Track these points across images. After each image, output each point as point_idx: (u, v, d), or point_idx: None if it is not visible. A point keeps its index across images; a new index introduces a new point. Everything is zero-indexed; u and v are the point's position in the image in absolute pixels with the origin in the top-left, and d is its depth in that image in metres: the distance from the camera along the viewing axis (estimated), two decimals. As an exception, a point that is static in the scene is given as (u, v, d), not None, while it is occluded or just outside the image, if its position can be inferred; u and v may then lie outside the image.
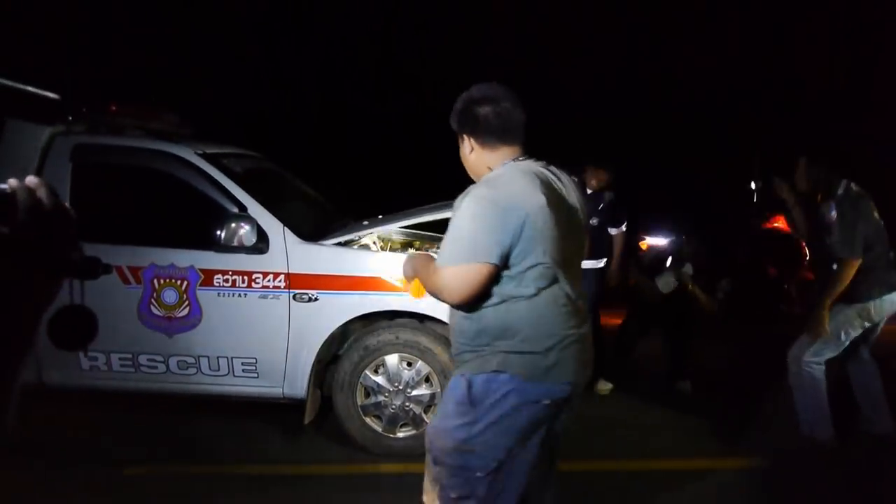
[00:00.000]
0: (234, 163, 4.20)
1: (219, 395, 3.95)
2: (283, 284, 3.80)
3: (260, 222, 3.82)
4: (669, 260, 5.23)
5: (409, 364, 3.87)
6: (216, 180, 3.89)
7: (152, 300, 3.82)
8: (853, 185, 3.93)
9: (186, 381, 3.90)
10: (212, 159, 3.99)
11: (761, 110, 11.32)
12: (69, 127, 3.99)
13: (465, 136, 2.26)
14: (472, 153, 2.26)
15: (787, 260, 6.91)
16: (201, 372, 3.88)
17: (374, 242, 4.79)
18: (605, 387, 4.96)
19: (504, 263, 2.09)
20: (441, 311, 3.80)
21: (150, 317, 3.83)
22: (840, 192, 3.88)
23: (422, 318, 3.89)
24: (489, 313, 2.15)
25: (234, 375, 3.88)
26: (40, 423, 3.98)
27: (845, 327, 3.89)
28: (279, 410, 4.11)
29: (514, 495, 2.21)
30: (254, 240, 3.75)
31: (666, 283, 4.90)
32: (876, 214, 3.94)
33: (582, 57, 11.72)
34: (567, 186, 2.26)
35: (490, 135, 2.21)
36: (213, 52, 10.51)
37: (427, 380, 3.87)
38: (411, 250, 4.85)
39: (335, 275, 3.81)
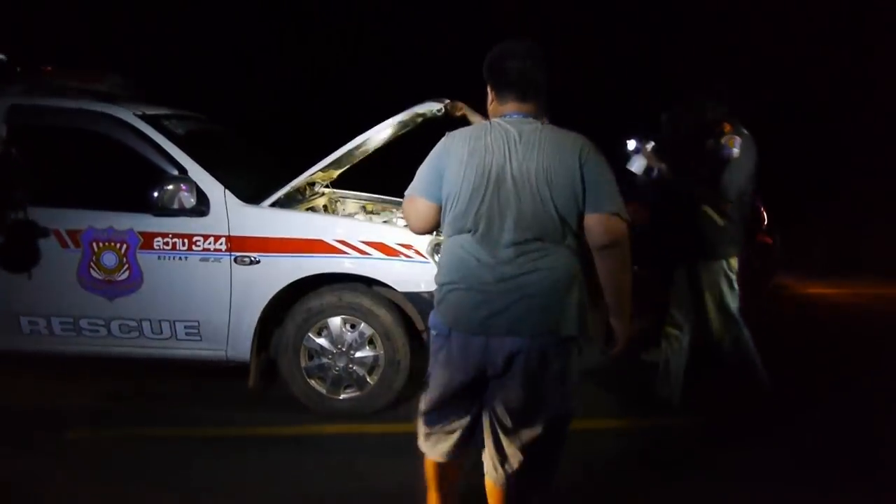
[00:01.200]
0: (177, 124, 4.14)
1: (163, 359, 3.95)
2: (223, 247, 3.78)
3: (200, 184, 3.78)
4: None
5: (353, 326, 3.88)
6: (155, 142, 3.84)
7: (91, 264, 3.78)
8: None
9: (129, 345, 3.90)
10: (152, 120, 3.93)
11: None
12: (3, 88, 3.91)
13: (489, 86, 2.40)
14: (491, 103, 2.41)
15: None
16: (144, 335, 3.87)
17: (325, 206, 4.79)
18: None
19: (439, 203, 2.32)
20: (386, 274, 3.83)
21: (89, 280, 3.80)
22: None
23: (370, 281, 3.89)
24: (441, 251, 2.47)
25: (177, 339, 3.87)
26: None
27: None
28: (228, 373, 4.11)
29: (435, 406, 2.42)
30: (193, 202, 3.72)
31: None
32: None
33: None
34: (525, 147, 2.24)
35: (498, 88, 2.36)
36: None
37: (371, 342, 3.88)
38: (361, 215, 4.85)
39: (277, 237, 3.79)
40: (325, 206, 4.75)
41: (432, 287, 3.71)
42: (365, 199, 5.15)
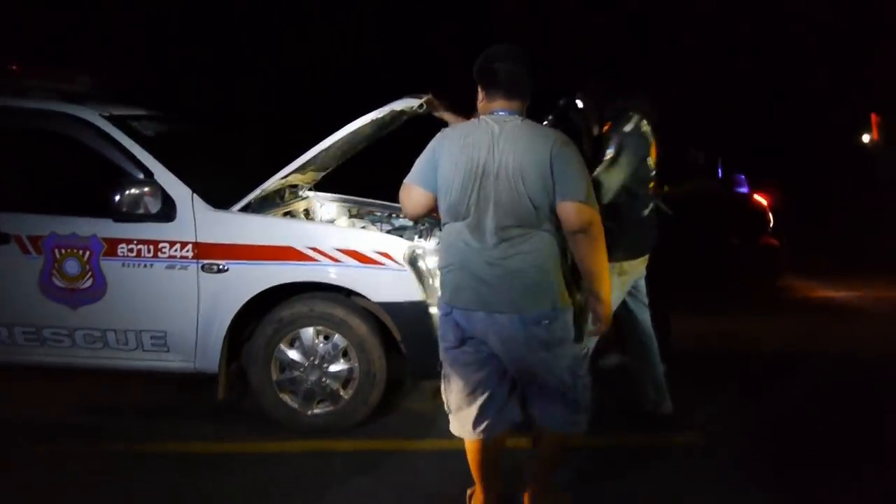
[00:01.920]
0: (147, 125, 3.98)
1: (129, 370, 3.80)
2: (190, 254, 3.61)
3: (166, 188, 3.62)
4: None
5: (326, 337, 3.70)
6: (121, 144, 3.68)
7: (54, 271, 3.64)
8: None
9: (94, 356, 3.75)
10: (118, 121, 3.78)
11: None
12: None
13: (478, 85, 2.65)
14: (481, 101, 2.65)
15: (749, 226, 6.75)
16: (108, 346, 3.72)
17: (306, 211, 4.62)
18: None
19: (434, 192, 2.58)
20: (360, 283, 3.64)
21: (52, 288, 3.65)
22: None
23: (344, 290, 3.71)
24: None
25: (144, 349, 3.72)
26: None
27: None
28: (200, 384, 3.94)
29: (460, 386, 2.67)
30: (158, 207, 3.56)
31: None
32: None
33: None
34: (504, 143, 2.49)
35: (487, 87, 2.62)
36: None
37: (345, 354, 3.70)
38: (349, 220, 4.67)
39: (245, 244, 3.61)
40: (305, 211, 4.58)
41: (408, 297, 3.61)
42: (350, 203, 4.96)
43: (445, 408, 2.76)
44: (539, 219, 2.49)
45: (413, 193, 2.63)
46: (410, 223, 4.47)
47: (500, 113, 2.57)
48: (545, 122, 3.37)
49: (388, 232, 4.24)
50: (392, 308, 3.65)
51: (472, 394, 2.67)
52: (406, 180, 2.65)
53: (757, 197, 7.25)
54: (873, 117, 13.48)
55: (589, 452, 3.36)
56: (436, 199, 2.60)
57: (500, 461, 2.83)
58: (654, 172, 3.58)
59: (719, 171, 7.77)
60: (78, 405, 4.03)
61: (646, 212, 3.58)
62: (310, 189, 4.81)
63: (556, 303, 2.53)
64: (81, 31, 9.09)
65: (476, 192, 2.48)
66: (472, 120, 2.64)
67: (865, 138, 14.16)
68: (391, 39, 10.63)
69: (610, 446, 3.57)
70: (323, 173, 4.72)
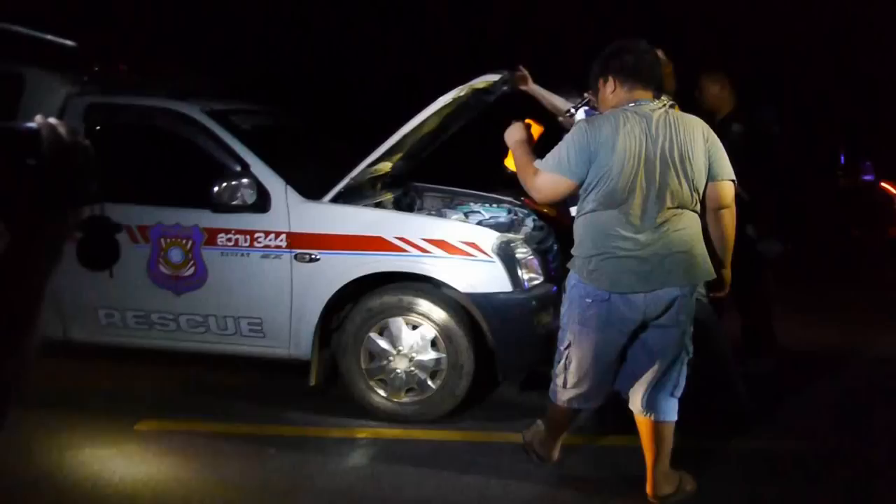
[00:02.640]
0: (246, 119, 4.12)
1: (228, 354, 3.95)
2: (284, 244, 3.71)
3: (262, 180, 3.73)
4: None
5: (414, 328, 3.71)
6: (220, 138, 3.82)
7: (160, 259, 3.83)
8: None
9: (197, 340, 3.93)
10: (219, 116, 3.93)
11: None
12: (84, 87, 4.02)
13: (611, 78, 2.75)
14: (613, 92, 2.75)
15: (874, 219, 6.22)
16: (210, 331, 3.88)
17: (399, 200, 4.63)
18: None
19: (580, 182, 2.68)
20: (448, 274, 3.63)
21: (158, 276, 3.84)
22: None
23: (433, 280, 3.70)
24: (576, 225, 2.80)
25: (242, 335, 3.86)
26: (65, 376, 4.14)
27: None
28: (296, 369, 4.05)
29: (589, 371, 2.82)
30: (254, 198, 3.67)
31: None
32: None
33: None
34: (660, 130, 2.63)
35: (624, 77, 2.72)
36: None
37: (434, 344, 3.70)
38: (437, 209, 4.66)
39: (335, 234, 3.68)
40: (398, 200, 4.60)
41: (497, 288, 3.56)
42: (445, 193, 4.95)
43: (559, 382, 2.92)
44: (693, 199, 2.70)
45: (559, 183, 2.72)
46: (503, 214, 4.42)
47: (643, 102, 2.69)
48: (574, 110, 3.37)
49: (480, 223, 4.20)
50: (480, 299, 3.61)
51: (599, 372, 2.84)
52: (550, 169, 2.72)
53: (885, 185, 6.70)
54: None
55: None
56: (577, 188, 2.70)
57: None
58: None
59: (841, 157, 7.24)
60: (180, 386, 4.22)
61: None
62: (405, 179, 4.84)
63: (707, 274, 2.77)
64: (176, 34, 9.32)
65: (634, 178, 2.61)
66: (615, 110, 2.71)
67: None
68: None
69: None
70: (415, 162, 4.73)
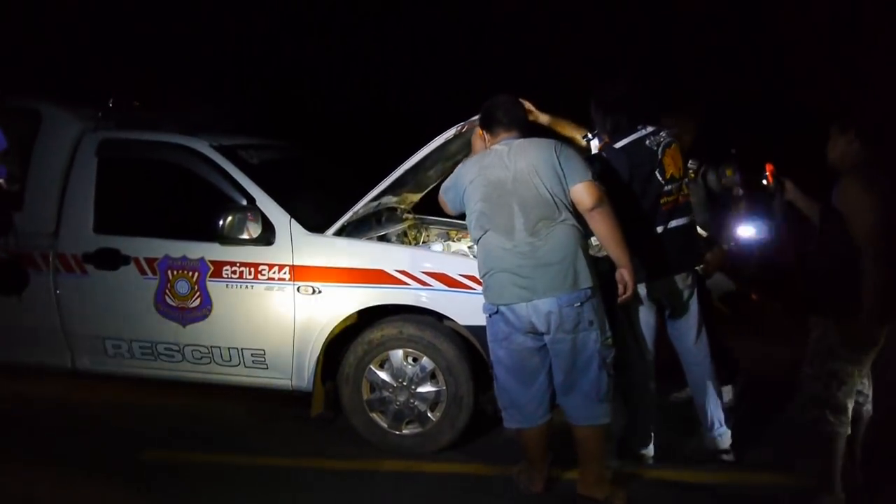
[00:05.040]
0: (253, 154, 4.21)
1: (232, 385, 4.00)
2: (287, 276, 3.77)
3: (267, 213, 3.81)
4: None
5: (415, 360, 3.75)
6: (227, 172, 3.92)
7: (167, 291, 3.90)
8: None
9: (202, 371, 3.99)
10: (227, 151, 4.03)
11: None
12: (98, 122, 4.14)
13: (482, 130, 3.28)
14: (486, 139, 3.24)
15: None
16: (214, 362, 3.94)
17: (404, 233, 4.70)
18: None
19: (460, 213, 3.22)
20: (447, 306, 3.67)
21: (165, 307, 3.92)
22: None
23: (434, 313, 3.74)
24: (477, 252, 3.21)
25: (245, 366, 3.91)
26: (73, 404, 4.22)
27: None
28: (298, 402, 4.09)
29: (509, 384, 3.16)
30: (259, 231, 3.75)
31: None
32: None
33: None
34: (515, 155, 3.05)
35: (490, 128, 3.22)
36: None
37: (433, 376, 3.73)
38: (446, 242, 4.71)
39: (337, 267, 3.74)
40: (404, 234, 4.67)
41: None
42: (450, 226, 5.00)
43: (499, 405, 3.21)
44: (558, 209, 2.97)
45: (446, 206, 3.29)
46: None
47: (505, 141, 3.13)
48: (587, 142, 3.59)
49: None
50: (480, 332, 3.62)
51: (525, 384, 3.11)
52: (443, 197, 3.28)
53: None
54: None
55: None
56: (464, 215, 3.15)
57: (546, 441, 3.23)
58: (668, 187, 3.37)
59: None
60: (184, 417, 4.27)
61: (660, 229, 3.38)
62: (409, 212, 4.91)
63: (584, 283, 2.96)
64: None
65: (497, 202, 3.00)
66: (485, 150, 3.19)
67: None
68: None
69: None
70: (420, 195, 4.80)
